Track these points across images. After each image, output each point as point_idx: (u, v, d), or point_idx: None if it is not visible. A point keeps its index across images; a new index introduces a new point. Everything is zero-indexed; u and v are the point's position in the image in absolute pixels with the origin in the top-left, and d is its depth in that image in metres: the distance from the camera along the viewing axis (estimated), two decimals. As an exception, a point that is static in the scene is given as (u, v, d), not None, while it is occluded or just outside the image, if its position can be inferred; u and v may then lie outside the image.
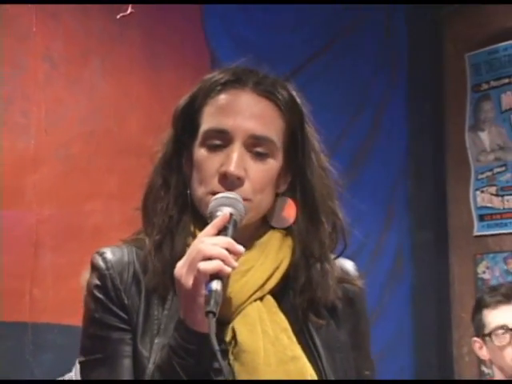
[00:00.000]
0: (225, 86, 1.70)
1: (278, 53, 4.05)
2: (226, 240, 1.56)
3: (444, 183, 4.66)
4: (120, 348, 1.68)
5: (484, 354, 3.34)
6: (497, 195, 4.48)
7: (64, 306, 3.26)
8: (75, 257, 3.30)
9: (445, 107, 4.67)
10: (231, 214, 1.60)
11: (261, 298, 1.70)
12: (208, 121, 1.69)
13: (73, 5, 3.50)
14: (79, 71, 3.53)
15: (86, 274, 2.79)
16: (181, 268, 1.56)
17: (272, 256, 1.72)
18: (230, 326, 1.66)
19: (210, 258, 1.53)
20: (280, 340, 1.69)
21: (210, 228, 1.57)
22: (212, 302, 1.51)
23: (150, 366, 1.64)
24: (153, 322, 1.68)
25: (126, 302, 1.69)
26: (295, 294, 1.74)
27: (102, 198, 3.50)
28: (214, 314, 1.50)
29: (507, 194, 4.45)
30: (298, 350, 1.69)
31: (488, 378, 3.62)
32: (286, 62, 4.10)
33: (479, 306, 3.37)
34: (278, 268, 1.71)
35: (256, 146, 1.67)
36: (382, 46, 4.52)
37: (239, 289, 1.66)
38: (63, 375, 2.84)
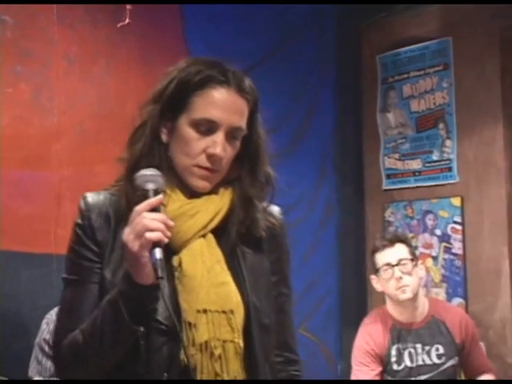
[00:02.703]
0: (214, 83, 1.67)
1: (237, 54, 4.04)
2: (162, 217, 1.55)
3: (361, 151, 4.68)
4: (89, 274, 1.65)
5: (379, 287, 3.39)
6: (399, 160, 4.49)
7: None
8: (87, 206, 3.32)
9: (362, 95, 4.68)
10: (164, 192, 1.61)
11: (204, 236, 1.68)
12: (200, 110, 1.66)
13: (85, 17, 3.47)
14: (90, 68, 3.52)
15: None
16: (128, 235, 1.53)
17: (216, 203, 1.70)
18: (179, 255, 1.64)
19: (152, 230, 1.51)
20: (214, 269, 1.67)
21: (147, 205, 1.55)
22: (159, 270, 1.51)
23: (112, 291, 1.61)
24: (117, 253, 1.65)
25: (98, 238, 1.65)
26: (232, 228, 1.72)
27: (107, 163, 3.44)
28: (163, 278, 1.51)
29: (407, 159, 4.46)
30: (227, 278, 1.68)
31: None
32: (244, 61, 4.13)
33: (373, 251, 3.42)
34: (219, 212, 1.70)
35: (232, 134, 1.68)
36: (317, 50, 4.53)
37: (187, 228, 1.65)
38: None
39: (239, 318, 1.66)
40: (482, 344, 3.49)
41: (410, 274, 3.29)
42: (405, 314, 3.34)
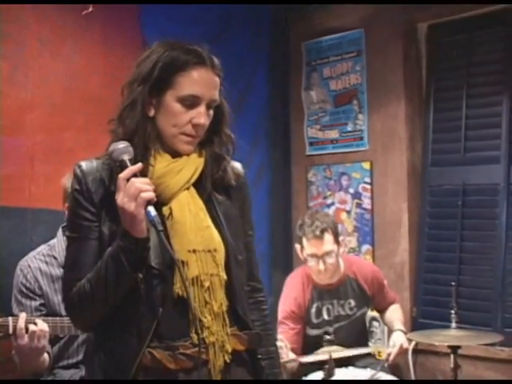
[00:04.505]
0: (194, 64, 1.71)
1: (185, 40, 4.06)
2: (147, 180, 1.62)
3: (289, 123, 4.68)
4: (88, 232, 1.68)
5: (302, 255, 3.31)
6: (320, 130, 4.51)
7: (50, 197, 3.15)
8: (57, 167, 3.19)
9: (290, 76, 4.66)
10: (130, 160, 1.65)
11: (187, 188, 1.73)
12: (186, 88, 1.69)
13: (56, 5, 3.41)
14: (60, 48, 3.49)
15: (63, 180, 2.80)
16: (122, 199, 1.58)
17: (195, 161, 1.75)
18: (168, 206, 1.70)
19: (144, 191, 1.57)
20: (198, 215, 1.73)
21: (130, 172, 1.60)
22: (158, 224, 1.58)
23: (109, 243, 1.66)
24: (112, 212, 1.65)
25: (95, 200, 1.68)
26: (207, 180, 1.77)
27: (74, 130, 3.44)
28: (163, 231, 1.58)
29: (326, 130, 4.47)
30: (209, 222, 1.74)
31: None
32: (191, 46, 4.12)
33: (301, 229, 3.28)
34: (197, 168, 1.75)
35: (210, 105, 1.74)
36: (253, 37, 4.50)
37: (174, 183, 1.71)
38: (48, 241, 2.84)
39: (221, 255, 1.73)
40: (385, 283, 3.58)
41: (332, 262, 3.22)
42: (324, 280, 3.32)
